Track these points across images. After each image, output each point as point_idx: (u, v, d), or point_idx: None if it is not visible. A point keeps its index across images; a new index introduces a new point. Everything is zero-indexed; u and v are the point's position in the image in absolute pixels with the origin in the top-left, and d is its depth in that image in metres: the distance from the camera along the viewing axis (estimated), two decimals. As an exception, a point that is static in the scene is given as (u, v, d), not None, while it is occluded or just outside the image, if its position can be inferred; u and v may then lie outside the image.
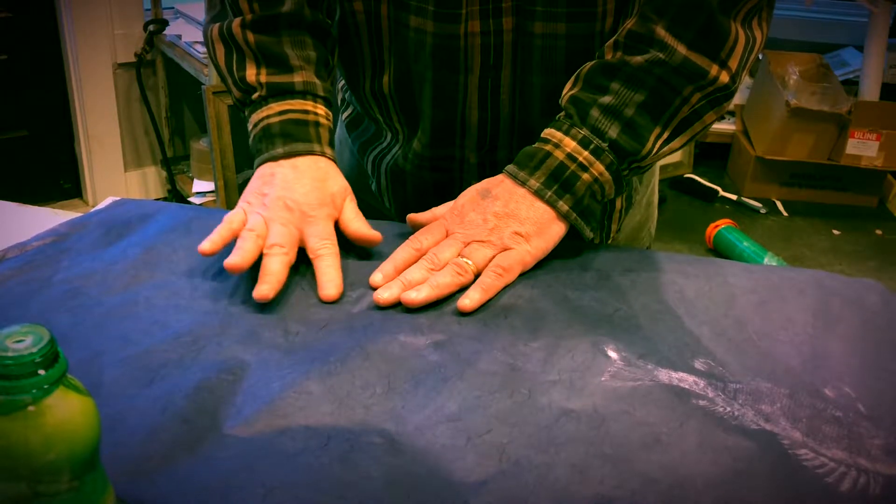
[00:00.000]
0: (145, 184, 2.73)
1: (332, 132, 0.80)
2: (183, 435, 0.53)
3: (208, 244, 0.69)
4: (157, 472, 0.50)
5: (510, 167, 0.75)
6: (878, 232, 2.78)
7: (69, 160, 2.63)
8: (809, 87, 2.79)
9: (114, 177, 2.64)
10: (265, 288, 0.66)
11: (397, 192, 0.93)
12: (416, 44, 0.81)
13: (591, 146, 0.72)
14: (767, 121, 2.86)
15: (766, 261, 2.42)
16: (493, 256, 0.70)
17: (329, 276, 0.69)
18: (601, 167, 0.72)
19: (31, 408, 0.38)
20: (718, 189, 2.90)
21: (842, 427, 0.56)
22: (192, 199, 2.48)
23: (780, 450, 0.53)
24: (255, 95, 0.79)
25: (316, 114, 0.79)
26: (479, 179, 0.89)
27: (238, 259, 0.67)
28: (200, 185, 2.51)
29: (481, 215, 0.72)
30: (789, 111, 2.75)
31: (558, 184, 0.72)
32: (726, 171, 3.08)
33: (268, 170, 0.76)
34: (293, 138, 0.77)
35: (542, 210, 0.72)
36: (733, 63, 0.72)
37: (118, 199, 0.86)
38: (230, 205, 2.26)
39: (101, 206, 0.84)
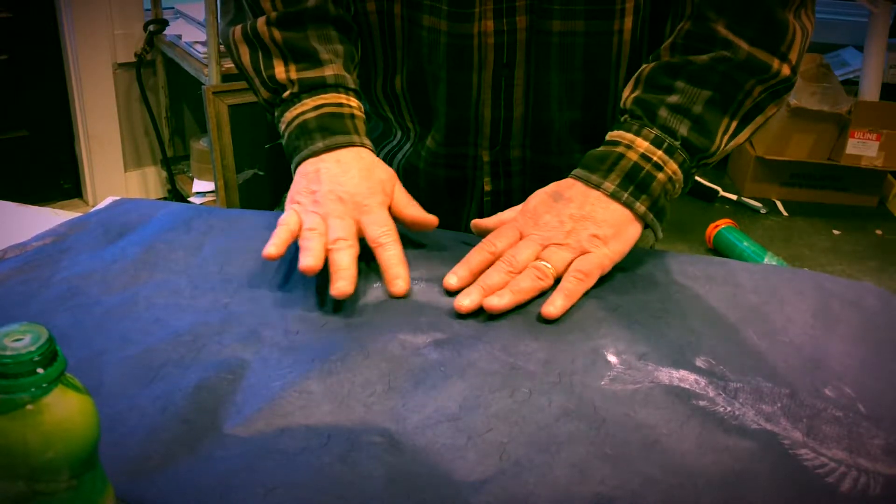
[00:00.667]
0: (145, 184, 2.73)
1: (366, 123, 0.80)
2: (183, 434, 0.53)
3: (273, 248, 0.67)
4: (157, 471, 0.50)
5: (579, 171, 0.74)
6: (878, 232, 2.78)
7: (69, 160, 2.63)
8: (809, 87, 2.79)
9: (114, 177, 2.64)
10: (342, 284, 0.65)
11: (410, 190, 0.93)
12: (430, 43, 0.81)
13: (664, 145, 0.72)
14: (767, 121, 2.85)
15: (766, 261, 2.41)
16: (572, 260, 0.69)
17: (395, 269, 0.68)
18: (674, 166, 0.72)
19: (29, 406, 0.38)
20: (718, 189, 2.90)
21: (842, 427, 0.56)
22: (192, 199, 2.48)
23: (781, 450, 0.53)
24: (285, 94, 0.79)
25: (350, 106, 0.78)
26: (493, 177, 0.89)
27: (311, 260, 0.66)
28: (200, 185, 2.51)
29: (557, 217, 0.71)
30: (789, 111, 2.75)
31: (634, 185, 0.71)
32: (726, 171, 3.08)
33: (311, 166, 0.75)
34: (332, 131, 0.76)
35: (618, 212, 0.71)
36: (793, 56, 0.73)
37: (118, 198, 0.86)
38: (230, 205, 2.26)
39: (100, 205, 0.84)
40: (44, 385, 0.39)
